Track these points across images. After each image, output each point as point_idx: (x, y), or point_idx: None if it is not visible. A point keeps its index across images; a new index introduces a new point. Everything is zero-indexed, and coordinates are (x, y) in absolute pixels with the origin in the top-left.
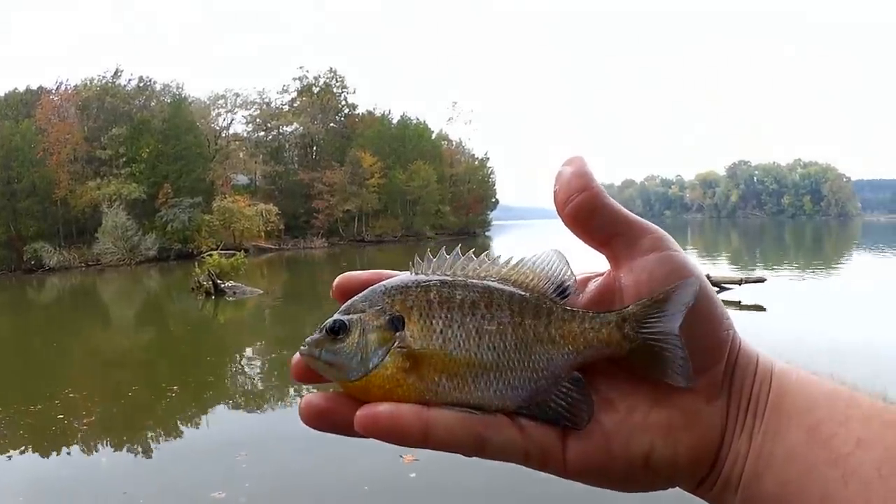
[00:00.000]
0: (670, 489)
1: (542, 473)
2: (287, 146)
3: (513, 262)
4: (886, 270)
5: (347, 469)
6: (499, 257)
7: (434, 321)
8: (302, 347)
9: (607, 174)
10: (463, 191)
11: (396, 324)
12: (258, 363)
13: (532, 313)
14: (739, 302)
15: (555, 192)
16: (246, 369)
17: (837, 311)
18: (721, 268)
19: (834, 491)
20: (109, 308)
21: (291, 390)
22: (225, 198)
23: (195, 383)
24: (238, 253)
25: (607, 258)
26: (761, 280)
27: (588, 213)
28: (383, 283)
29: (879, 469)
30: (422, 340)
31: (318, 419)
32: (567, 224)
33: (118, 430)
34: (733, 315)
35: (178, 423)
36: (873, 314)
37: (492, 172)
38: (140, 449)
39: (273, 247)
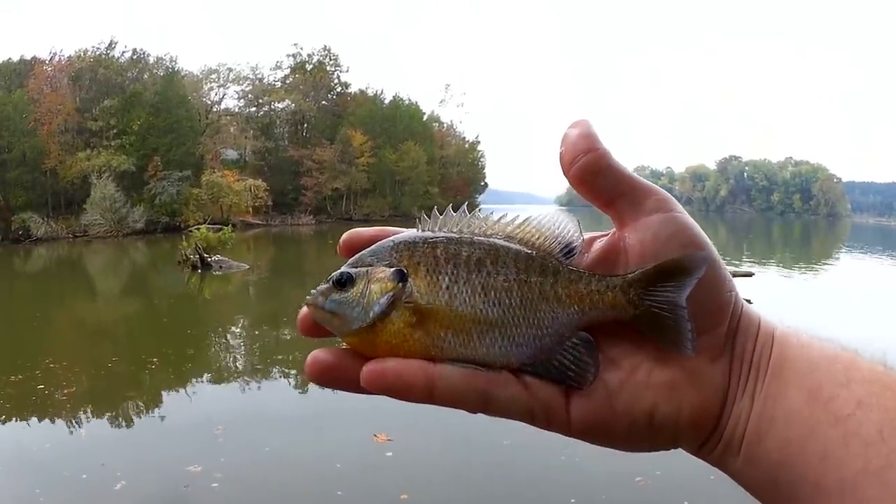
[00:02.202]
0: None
1: (523, 454)
2: (278, 122)
3: (519, 220)
4: (874, 271)
5: (322, 447)
6: (505, 216)
7: (440, 277)
8: (307, 297)
9: None
10: (452, 173)
11: (402, 278)
12: (240, 338)
13: (538, 271)
14: None
15: (560, 153)
16: (227, 344)
17: (825, 308)
18: None
19: (834, 451)
20: (95, 279)
21: (271, 366)
22: (214, 172)
23: (175, 356)
24: (225, 227)
25: (612, 218)
26: (749, 274)
27: (593, 173)
28: (391, 238)
29: (881, 430)
30: (428, 296)
31: (324, 375)
32: (573, 184)
33: (98, 402)
34: None
35: (157, 395)
36: (863, 312)
37: (482, 156)
38: (118, 421)
39: (260, 223)
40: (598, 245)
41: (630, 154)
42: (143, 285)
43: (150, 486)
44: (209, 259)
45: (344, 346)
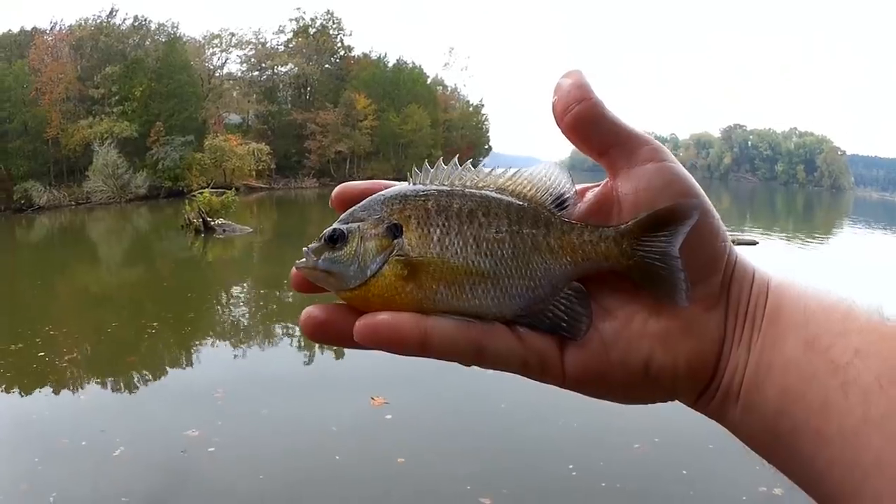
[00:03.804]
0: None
1: (520, 418)
2: (281, 86)
3: (510, 172)
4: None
5: (320, 410)
6: (496, 168)
7: (432, 229)
8: (298, 261)
9: None
10: (456, 136)
11: (395, 232)
12: (241, 300)
13: (530, 223)
14: None
15: (553, 103)
16: (228, 307)
17: (830, 279)
18: None
19: (834, 400)
20: (96, 246)
21: (272, 328)
22: (217, 136)
23: (175, 320)
24: (228, 191)
25: (605, 168)
26: (753, 243)
27: (586, 122)
28: (382, 192)
29: (879, 379)
30: (420, 248)
31: (319, 331)
32: (566, 134)
33: (97, 368)
34: None
35: (157, 359)
36: (869, 285)
37: (486, 119)
38: (119, 386)
39: (264, 186)
40: (590, 195)
41: (633, 119)
42: (145, 250)
43: (149, 452)
44: (212, 223)
45: (338, 301)
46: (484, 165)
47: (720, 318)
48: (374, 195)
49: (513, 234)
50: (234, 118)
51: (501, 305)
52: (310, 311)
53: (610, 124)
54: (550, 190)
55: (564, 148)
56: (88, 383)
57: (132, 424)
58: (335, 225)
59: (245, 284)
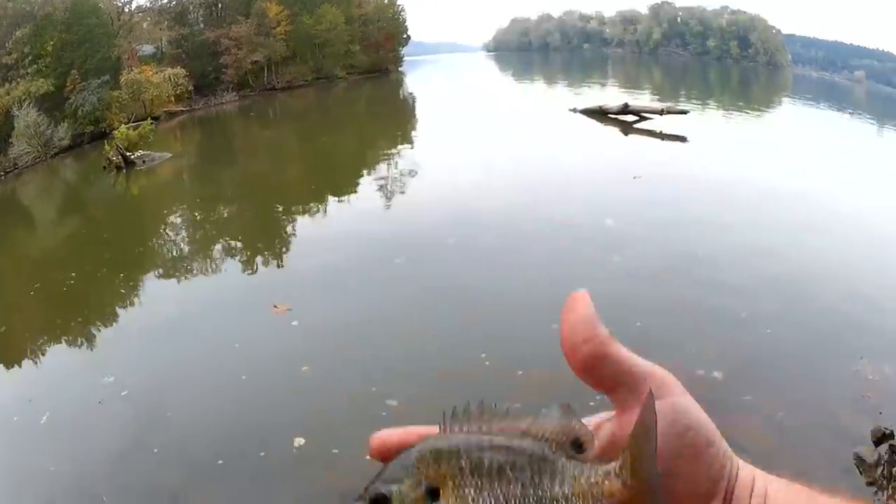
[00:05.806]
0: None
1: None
2: (191, 8)
3: (530, 419)
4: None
5: (225, 328)
6: (515, 405)
7: (466, 490)
8: None
9: (523, 8)
10: (373, 30)
11: (433, 495)
12: (158, 231)
13: (549, 473)
14: (661, 132)
15: (561, 336)
16: (144, 240)
17: (762, 152)
18: (643, 100)
19: None
20: (19, 211)
21: (180, 253)
22: (132, 71)
23: (92, 266)
24: (144, 122)
25: (615, 403)
26: (684, 112)
27: (595, 362)
28: (417, 447)
29: None
30: None
31: None
32: (576, 372)
33: (23, 335)
34: (656, 145)
35: (75, 312)
36: (802, 160)
37: (402, 10)
38: (39, 351)
39: (184, 109)
40: (605, 429)
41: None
42: (69, 201)
43: (70, 411)
44: (131, 157)
45: None
46: (405, 55)
47: None
48: (409, 450)
49: (535, 487)
50: (148, 49)
51: None
52: None
53: (616, 362)
54: (569, 434)
55: (486, 31)
56: (13, 354)
57: (55, 387)
58: (377, 485)
59: (163, 212)
